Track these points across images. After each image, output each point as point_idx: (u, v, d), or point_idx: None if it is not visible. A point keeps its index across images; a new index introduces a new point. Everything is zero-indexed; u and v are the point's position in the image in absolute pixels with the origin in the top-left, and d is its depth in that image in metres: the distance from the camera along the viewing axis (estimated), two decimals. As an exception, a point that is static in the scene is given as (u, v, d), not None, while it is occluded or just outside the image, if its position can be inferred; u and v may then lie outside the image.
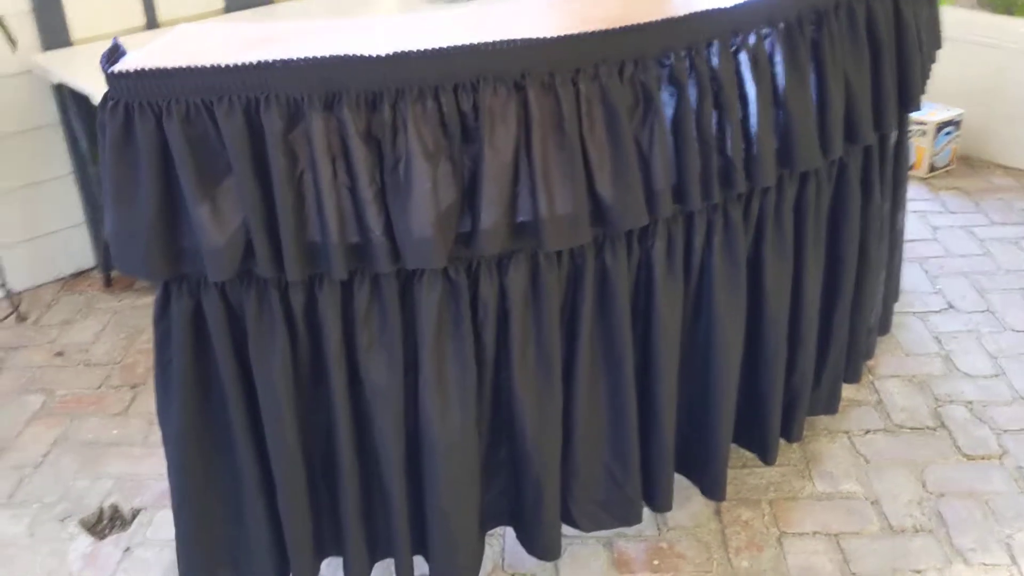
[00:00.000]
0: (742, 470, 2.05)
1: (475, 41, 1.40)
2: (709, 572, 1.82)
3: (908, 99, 1.92)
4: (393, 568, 1.72)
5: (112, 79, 1.35)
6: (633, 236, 1.63)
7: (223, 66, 1.34)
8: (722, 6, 1.55)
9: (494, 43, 1.40)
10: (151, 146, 1.36)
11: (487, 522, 1.83)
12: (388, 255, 1.43)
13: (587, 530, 1.84)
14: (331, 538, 1.73)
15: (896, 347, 2.45)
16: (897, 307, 2.59)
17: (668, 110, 1.54)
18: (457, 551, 1.70)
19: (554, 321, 1.60)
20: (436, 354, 1.55)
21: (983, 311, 2.59)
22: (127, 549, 1.92)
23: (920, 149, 3.36)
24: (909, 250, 2.89)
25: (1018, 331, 2.49)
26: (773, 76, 1.63)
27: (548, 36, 1.42)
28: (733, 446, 2.05)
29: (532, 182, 1.45)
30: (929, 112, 3.35)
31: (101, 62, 1.37)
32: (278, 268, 1.43)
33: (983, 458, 2.06)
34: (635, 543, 1.90)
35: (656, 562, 1.85)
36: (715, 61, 1.55)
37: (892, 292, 2.39)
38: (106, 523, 2.00)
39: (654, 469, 1.84)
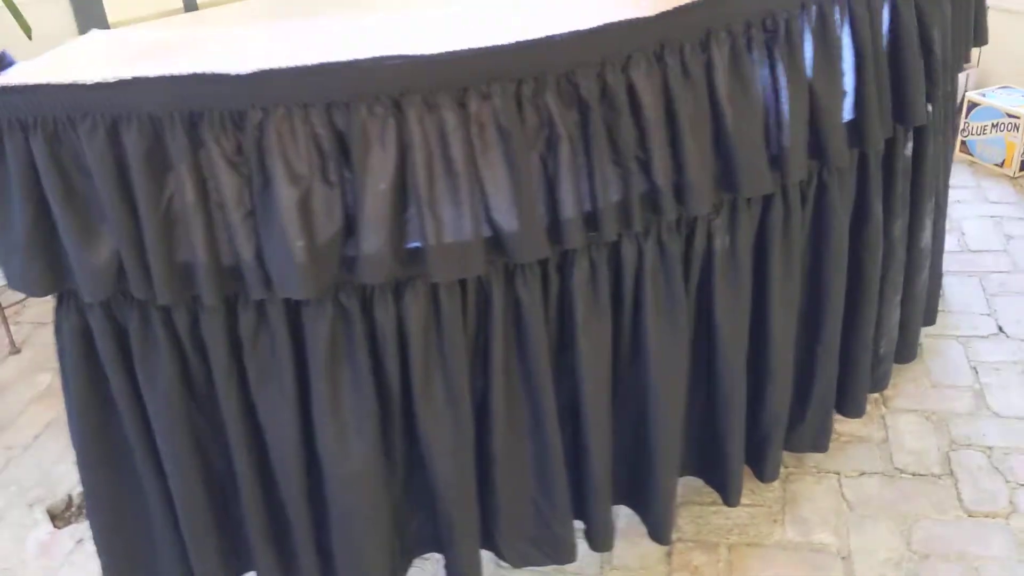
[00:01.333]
0: (709, 507, 1.90)
1: (357, 57, 1.30)
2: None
3: (906, 110, 1.70)
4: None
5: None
6: (550, 265, 1.51)
7: (84, 83, 1.29)
8: (647, 14, 1.40)
9: (370, 60, 1.30)
10: (20, 164, 1.33)
11: (416, 548, 1.77)
12: (260, 281, 1.37)
13: (516, 565, 1.75)
14: (245, 555, 1.70)
15: (923, 376, 2.21)
16: (938, 329, 2.35)
17: (581, 131, 1.40)
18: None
19: (459, 351, 1.50)
20: (330, 383, 1.48)
21: (1037, 339, 2.31)
22: (80, 540, 1.96)
23: (1011, 144, 3.02)
24: (971, 262, 2.62)
25: (1072, 366, 2.21)
26: (712, 90, 1.45)
27: (430, 53, 1.31)
28: (701, 483, 1.91)
29: (418, 208, 1.35)
30: (1019, 104, 3.00)
31: (-25, 76, 1.35)
32: (151, 290, 1.39)
33: (987, 516, 1.83)
34: (569, 581, 1.79)
35: (591, 603, 1.74)
36: (635, 77, 1.39)
37: (915, 316, 2.15)
38: (72, 512, 2.05)
39: (588, 507, 1.73)
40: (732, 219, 1.60)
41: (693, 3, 1.40)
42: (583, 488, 1.72)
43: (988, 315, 2.41)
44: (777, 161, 1.54)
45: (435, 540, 1.73)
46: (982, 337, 2.33)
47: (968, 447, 2.00)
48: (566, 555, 1.74)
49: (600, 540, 1.76)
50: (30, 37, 2.47)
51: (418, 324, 1.47)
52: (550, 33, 1.33)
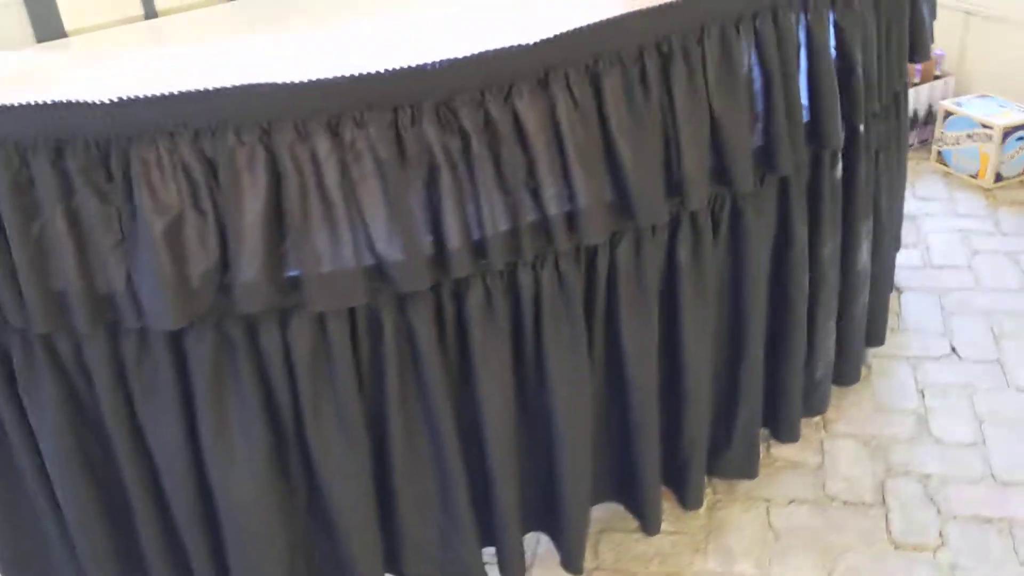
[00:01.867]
0: (632, 535, 1.87)
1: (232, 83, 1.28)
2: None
3: (822, 134, 1.65)
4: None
5: None
6: (444, 292, 1.48)
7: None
8: (534, 39, 1.35)
9: (239, 87, 1.27)
10: None
11: (323, 573, 1.74)
12: (133, 311, 1.35)
13: (423, 590, 1.72)
14: (146, 577, 1.69)
15: (868, 399, 2.16)
16: (889, 349, 2.30)
17: (464, 160, 1.37)
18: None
19: (349, 378, 1.47)
20: (216, 409, 1.46)
21: (990, 361, 2.24)
22: None
23: (984, 156, 2.94)
24: (932, 278, 2.56)
25: (1023, 390, 2.14)
26: (603, 117, 1.41)
27: (302, 80, 1.28)
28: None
29: (293, 238, 1.33)
30: (998, 113, 2.93)
31: None
32: (28, 318, 1.37)
33: (914, 548, 1.78)
34: (482, 609, 1.76)
35: (496, 634, 1.71)
36: (518, 105, 1.35)
37: (856, 339, 2.09)
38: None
39: (498, 533, 1.70)
40: (636, 245, 1.55)
41: (579, 29, 1.35)
42: (492, 514, 1.69)
43: (943, 335, 2.35)
44: (678, 187, 1.50)
45: (340, 565, 1.71)
46: (933, 358, 2.27)
47: (905, 475, 1.95)
48: (472, 580, 1.71)
49: (510, 567, 1.73)
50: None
51: (305, 352, 1.44)
52: (427, 61, 1.30)
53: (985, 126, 2.91)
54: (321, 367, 1.46)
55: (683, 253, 1.60)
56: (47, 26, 2.78)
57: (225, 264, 1.34)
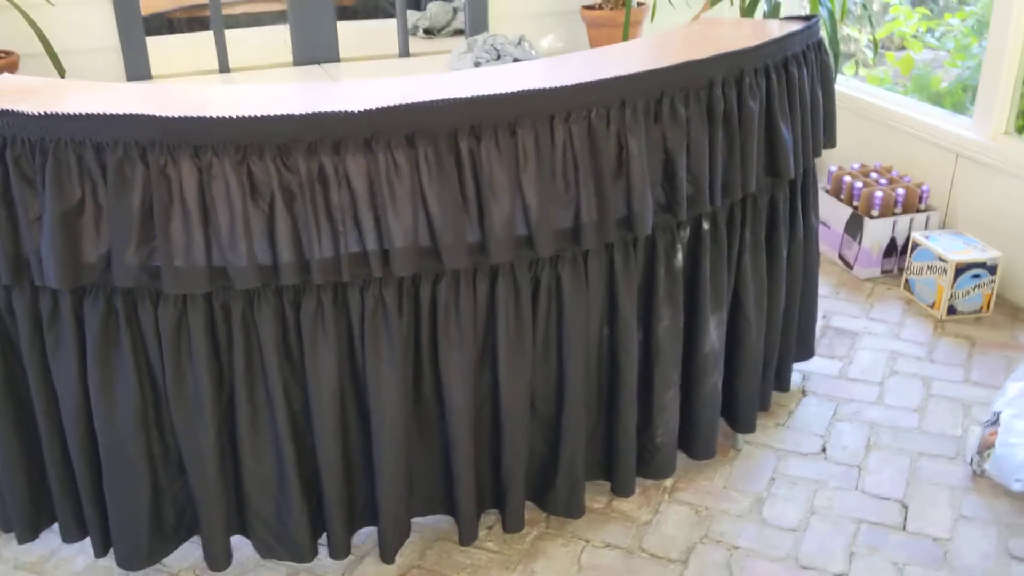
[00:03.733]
0: (459, 547, 2.14)
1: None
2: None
3: (633, 221, 1.93)
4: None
5: None
6: (285, 299, 1.85)
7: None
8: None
9: (128, 115, 1.69)
10: None
11: (180, 525, 2.08)
12: (39, 271, 1.78)
13: (262, 556, 2.06)
14: (52, 507, 2.09)
15: (722, 477, 2.36)
16: (763, 438, 2.51)
17: (297, 194, 1.75)
18: (126, 536, 2.00)
19: (202, 356, 1.85)
20: (102, 365, 1.86)
21: (852, 465, 2.40)
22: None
23: (940, 288, 3.08)
24: (839, 388, 2.74)
25: (867, 494, 2.30)
26: (419, 180, 1.76)
27: (175, 115, 1.70)
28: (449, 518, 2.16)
29: (159, 236, 1.74)
30: (958, 249, 3.07)
31: None
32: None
33: (690, 602, 1.99)
34: (310, 580, 2.08)
35: (312, 602, 2.02)
36: (346, 159, 1.73)
37: (709, 416, 2.30)
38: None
39: (325, 518, 2.02)
40: (456, 285, 1.88)
41: (401, 106, 1.73)
42: (322, 504, 2.02)
43: (820, 436, 2.52)
44: (482, 245, 1.83)
45: (194, 520, 2.07)
46: (800, 454, 2.45)
47: (716, 543, 2.15)
48: (301, 556, 2.04)
49: (337, 550, 2.04)
50: (63, 76, 3.07)
51: (170, 328, 1.84)
52: (265, 114, 1.70)
53: (942, 260, 3.06)
54: (183, 342, 1.85)
55: (502, 302, 1.92)
56: (137, 69, 3.40)
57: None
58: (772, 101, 2.12)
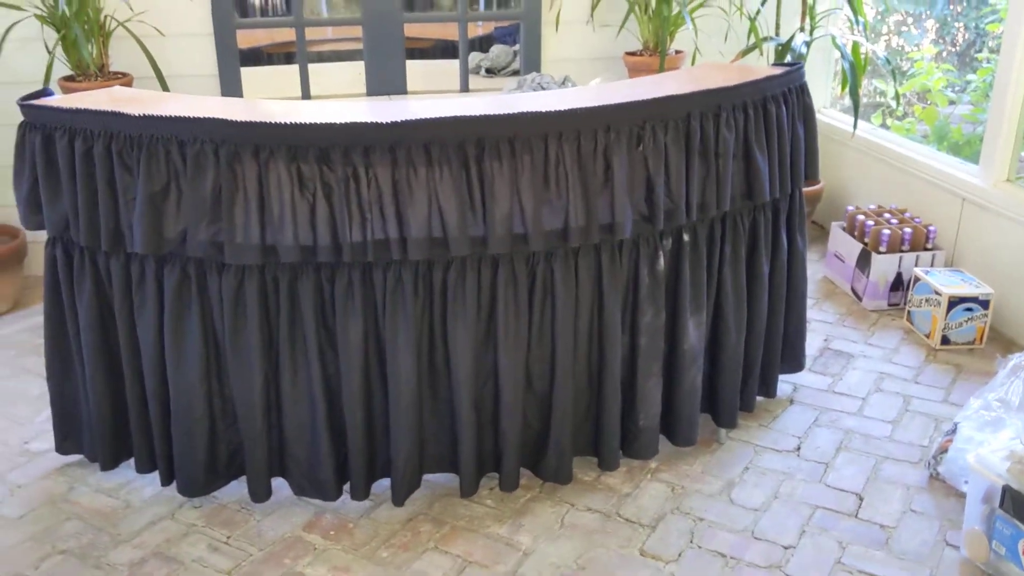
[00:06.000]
0: (462, 501, 2.50)
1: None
2: (356, 552, 2.33)
3: (613, 227, 2.29)
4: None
5: (23, 108, 2.32)
6: (323, 275, 2.26)
7: (59, 108, 2.24)
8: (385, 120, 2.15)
9: (210, 119, 2.14)
10: (29, 151, 2.30)
11: (231, 464, 2.50)
12: (130, 240, 2.24)
13: (296, 494, 2.46)
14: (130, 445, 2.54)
15: (701, 463, 2.67)
16: (744, 435, 2.80)
17: (334, 188, 2.16)
18: (187, 469, 2.42)
19: (254, 322, 2.28)
20: (175, 323, 2.31)
21: (820, 463, 2.68)
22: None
23: (935, 319, 3.34)
24: (824, 400, 3.01)
25: (830, 487, 2.58)
26: (431, 180, 2.17)
27: (235, 120, 2.14)
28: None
29: (224, 217, 2.17)
30: (954, 284, 3.33)
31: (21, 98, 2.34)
32: (79, 235, 2.28)
33: (653, 558, 2.30)
34: (332, 516, 2.45)
35: (332, 532, 2.40)
36: (374, 162, 2.14)
37: (689, 407, 2.62)
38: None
39: (350, 467, 2.41)
40: (462, 272, 2.27)
41: (419, 120, 2.13)
42: (347, 454, 2.41)
43: (798, 438, 2.81)
44: (483, 238, 2.22)
45: (243, 461, 2.48)
46: (776, 450, 2.75)
47: (684, 515, 2.46)
48: (327, 496, 2.43)
49: (357, 492, 2.43)
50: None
51: (231, 294, 2.27)
52: (312, 122, 2.13)
53: (937, 293, 3.32)
54: (240, 307, 2.28)
55: (501, 289, 2.29)
56: (231, 94, 3.90)
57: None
58: (749, 133, 2.47)
